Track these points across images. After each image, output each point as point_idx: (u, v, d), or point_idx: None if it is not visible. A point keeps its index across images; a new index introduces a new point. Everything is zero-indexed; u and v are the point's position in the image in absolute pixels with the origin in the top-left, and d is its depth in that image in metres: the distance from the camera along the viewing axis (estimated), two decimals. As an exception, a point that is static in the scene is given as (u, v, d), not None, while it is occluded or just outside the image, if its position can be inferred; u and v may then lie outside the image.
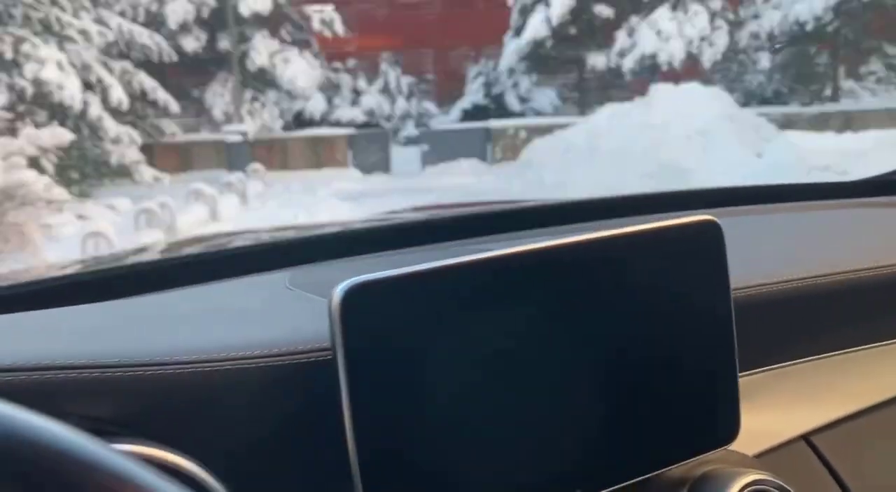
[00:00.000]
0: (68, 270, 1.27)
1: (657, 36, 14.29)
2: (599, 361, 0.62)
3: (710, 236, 0.66)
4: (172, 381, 0.56)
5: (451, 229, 1.04)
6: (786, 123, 12.92)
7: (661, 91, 11.99)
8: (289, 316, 0.71)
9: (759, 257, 0.90)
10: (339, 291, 0.53)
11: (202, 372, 0.57)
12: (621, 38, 14.87)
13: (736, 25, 15.17)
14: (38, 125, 9.65)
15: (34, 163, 4.91)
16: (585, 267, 0.61)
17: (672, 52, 14.22)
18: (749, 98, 14.99)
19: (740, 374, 0.69)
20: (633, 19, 14.94)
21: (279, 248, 1.00)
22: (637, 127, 11.45)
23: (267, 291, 0.82)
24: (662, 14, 14.48)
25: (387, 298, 0.54)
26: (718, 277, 0.67)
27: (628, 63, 14.59)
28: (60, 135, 4.24)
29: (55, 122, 10.40)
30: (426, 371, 0.56)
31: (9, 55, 10.05)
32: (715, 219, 0.67)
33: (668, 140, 11.07)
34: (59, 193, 4.18)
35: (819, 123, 13.36)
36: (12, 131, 4.96)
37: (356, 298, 0.53)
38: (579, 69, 16.54)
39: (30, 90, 10.02)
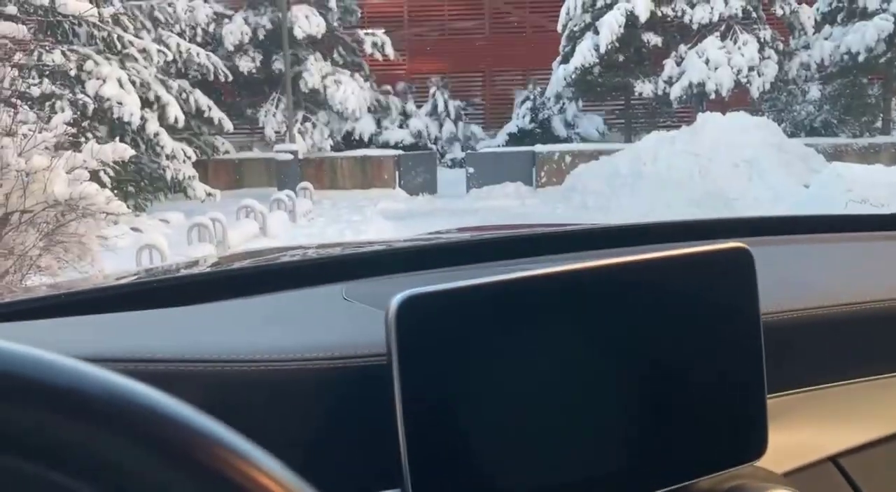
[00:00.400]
0: (126, 280, 1.36)
1: (705, 64, 14.25)
2: (634, 375, 0.66)
3: (742, 262, 0.70)
4: (245, 377, 0.63)
5: (496, 250, 1.10)
6: (835, 155, 12.76)
7: (707, 119, 11.97)
8: (346, 324, 0.78)
9: (790, 284, 0.93)
10: (395, 302, 0.58)
11: (269, 370, 0.63)
12: (669, 66, 14.85)
13: (786, 55, 15.06)
14: (98, 140, 10.02)
15: (94, 176, 5.12)
16: (623, 287, 0.65)
17: (720, 81, 14.15)
18: (798, 128, 14.83)
19: (772, 394, 0.72)
20: (682, 48, 14.93)
21: (334, 263, 1.08)
22: (683, 154, 11.43)
23: (324, 302, 0.89)
24: (711, 43, 14.43)
25: (438, 310, 0.59)
26: (749, 301, 0.70)
27: (676, 91, 14.55)
28: (122, 150, 4.43)
29: (115, 137, 10.78)
30: (474, 379, 0.60)
31: (73, 72, 10.44)
32: (746, 246, 0.70)
33: (714, 168, 11.04)
34: (118, 206, 4.36)
35: (869, 155, 13.17)
36: (75, 145, 5.18)
37: (410, 309, 0.58)
38: (626, 96, 16.55)
39: (91, 106, 10.39)
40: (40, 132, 4.49)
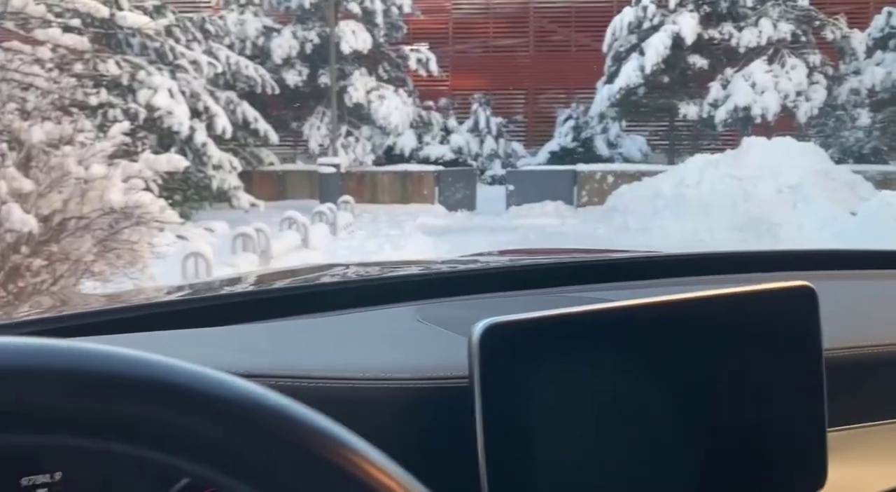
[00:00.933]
0: (175, 296, 1.35)
1: (752, 88, 14.14)
2: (700, 408, 0.69)
3: (806, 301, 0.72)
4: (332, 394, 0.66)
5: (556, 277, 1.13)
6: (884, 182, 12.54)
7: (753, 144, 11.85)
8: (423, 346, 0.82)
9: (852, 320, 0.94)
10: (478, 329, 0.60)
11: (353, 388, 0.67)
12: (715, 88, 14.76)
13: (835, 80, 14.88)
14: (149, 149, 10.23)
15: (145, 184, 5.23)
16: (693, 322, 0.68)
17: (766, 105, 14.02)
18: (845, 155, 14.61)
19: (832, 428, 0.73)
20: (728, 70, 14.84)
21: (405, 285, 1.13)
22: (726, 178, 11.33)
23: (399, 323, 0.92)
24: (759, 66, 14.33)
25: (519, 338, 0.62)
26: (811, 338, 0.72)
27: (721, 114, 14.45)
28: (177, 161, 4.54)
29: (165, 146, 11.01)
30: (551, 406, 0.63)
31: (126, 81, 10.70)
32: (810, 284, 0.72)
33: (758, 193, 10.92)
34: (171, 215, 4.46)
35: (919, 184, 12.93)
36: (129, 154, 5.31)
37: (493, 336, 0.61)
38: (670, 118, 16.48)
39: (142, 115, 10.63)
40: (98, 141, 4.62)
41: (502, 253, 2.22)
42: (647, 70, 14.65)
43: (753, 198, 10.92)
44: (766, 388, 0.71)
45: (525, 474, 0.62)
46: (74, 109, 5.78)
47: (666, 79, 15.30)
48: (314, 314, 0.97)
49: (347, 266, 1.59)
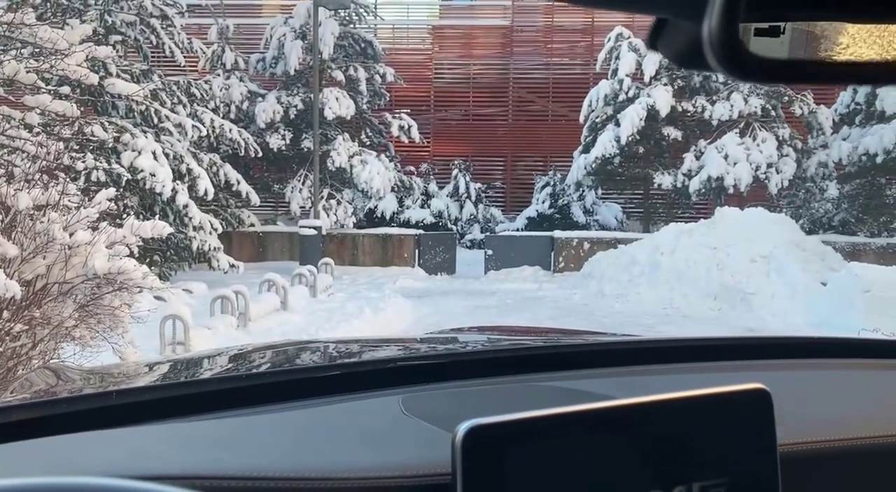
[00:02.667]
0: (156, 375, 1.34)
1: (724, 160, 14.53)
2: None
3: (761, 403, 0.78)
4: None
5: (531, 363, 1.19)
6: (853, 253, 12.84)
7: (725, 213, 12.12)
8: (406, 441, 0.85)
9: (806, 414, 0.97)
10: (462, 430, 0.66)
11: (344, 488, 0.70)
12: (689, 159, 15.15)
13: (804, 154, 15.33)
14: (131, 211, 10.27)
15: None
16: (658, 424, 0.75)
17: (739, 176, 14.40)
18: (815, 225, 14.98)
19: None
20: (702, 142, 15.26)
21: (388, 371, 1.15)
22: (700, 247, 11.55)
23: (383, 415, 0.94)
24: (731, 139, 14.76)
25: (501, 439, 0.67)
26: (767, 437, 0.78)
27: (695, 184, 14.80)
28: (161, 228, 4.62)
29: (147, 207, 11.07)
30: None
31: (110, 144, 10.81)
32: (765, 388, 0.78)
33: (731, 262, 11.12)
34: (154, 280, 4.52)
35: (887, 255, 13.24)
36: (113, 217, 5.38)
37: (475, 438, 0.66)
38: (645, 187, 16.82)
39: (125, 177, 10.71)
40: (84, 207, 4.69)
41: (481, 329, 2.29)
42: (623, 140, 15.02)
43: (727, 266, 11.11)
44: (725, 485, 0.76)
45: None
46: (60, 174, 5.85)
47: (641, 149, 15.69)
48: (295, 403, 0.99)
49: (326, 345, 1.61)
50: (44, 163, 5.21)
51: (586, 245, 14.36)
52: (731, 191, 14.56)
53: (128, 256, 4.60)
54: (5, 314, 3.89)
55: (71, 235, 4.13)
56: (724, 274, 11.10)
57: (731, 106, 14.96)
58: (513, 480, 0.67)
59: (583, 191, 16.86)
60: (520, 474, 0.68)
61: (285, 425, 0.91)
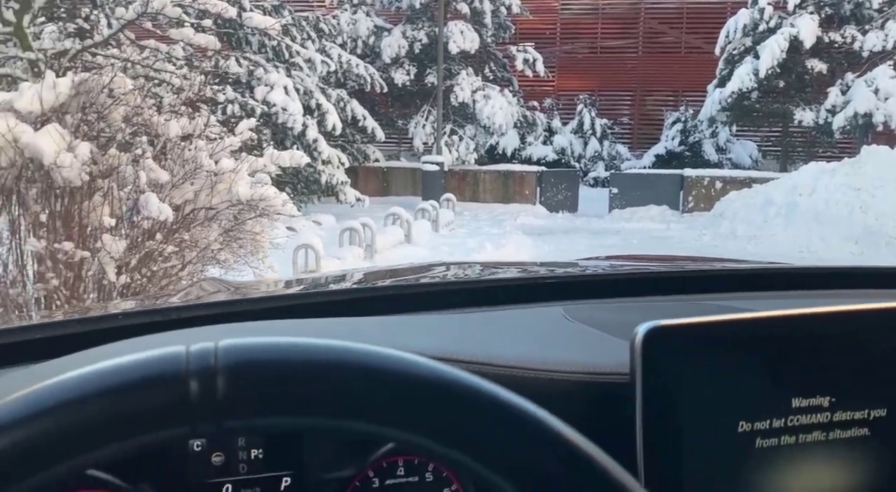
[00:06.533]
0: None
1: (874, 94, 13.50)
2: (846, 417, 0.72)
3: None
4: (514, 382, 0.71)
5: (678, 284, 1.16)
6: None
7: (872, 152, 11.34)
8: (576, 342, 0.86)
9: None
10: (642, 330, 0.65)
11: (527, 378, 0.72)
12: (834, 94, 14.18)
13: (967, 87, 14.05)
14: (269, 144, 10.63)
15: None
16: (830, 335, 0.72)
17: (890, 113, 13.36)
18: (976, 166, 13.79)
19: None
20: (849, 75, 14.22)
21: (548, 285, 1.18)
22: (843, 188, 10.88)
23: (550, 321, 0.96)
24: (883, 71, 13.67)
25: (678, 341, 0.66)
26: None
27: (839, 121, 13.86)
28: (299, 157, 4.75)
29: (279, 141, 11.42)
30: (704, 406, 0.67)
31: (244, 78, 11.16)
32: None
33: (877, 205, 10.44)
34: (292, 208, 4.67)
35: None
36: (251, 149, 5.57)
37: (655, 339, 0.65)
38: (784, 123, 15.92)
39: (259, 111, 11.07)
40: (225, 136, 4.87)
41: (609, 258, 2.24)
42: (762, 74, 14.20)
43: (872, 209, 10.44)
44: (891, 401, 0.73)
45: (678, 468, 0.66)
46: (202, 105, 6.09)
47: (781, 83, 14.79)
48: (462, 310, 1.02)
49: (448, 266, 1.63)
50: (188, 95, 5.44)
51: (718, 184, 13.79)
52: (880, 128, 13.56)
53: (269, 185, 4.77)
54: (158, 236, 4.13)
55: (216, 162, 4.31)
56: (867, 217, 10.44)
57: (886, 36, 13.81)
58: (690, 382, 0.66)
59: (716, 127, 16.14)
60: (698, 377, 0.67)
61: (471, 323, 0.95)
